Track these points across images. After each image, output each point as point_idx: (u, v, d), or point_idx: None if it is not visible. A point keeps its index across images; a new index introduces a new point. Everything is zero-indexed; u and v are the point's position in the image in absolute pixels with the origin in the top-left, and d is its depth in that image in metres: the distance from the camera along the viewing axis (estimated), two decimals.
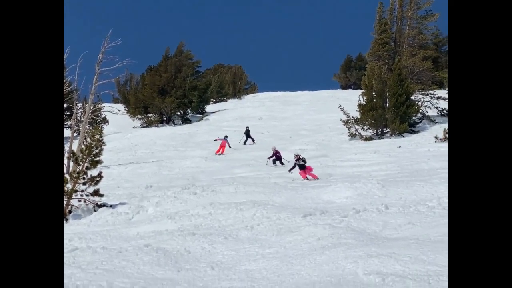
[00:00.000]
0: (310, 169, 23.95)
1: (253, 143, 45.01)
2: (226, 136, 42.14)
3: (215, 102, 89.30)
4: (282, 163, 30.88)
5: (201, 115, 73.07)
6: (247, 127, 47.38)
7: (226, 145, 40.31)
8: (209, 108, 77.77)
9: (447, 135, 37.88)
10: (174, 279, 8.46)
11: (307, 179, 22.96)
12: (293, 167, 24.51)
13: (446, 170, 19.80)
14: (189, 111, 72.71)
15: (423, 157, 28.22)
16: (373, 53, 51.82)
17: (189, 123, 67.66)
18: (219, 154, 38.19)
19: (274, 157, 31.53)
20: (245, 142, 45.04)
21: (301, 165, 24.08)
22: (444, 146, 35.52)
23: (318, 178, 22.62)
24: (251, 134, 46.28)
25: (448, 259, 6.13)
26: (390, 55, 51.95)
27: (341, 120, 47.39)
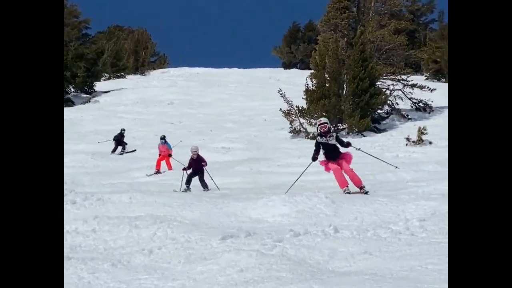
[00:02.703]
0: (350, 159, 19.32)
1: (122, 152, 42.04)
2: (164, 138, 35.16)
3: (109, 78, 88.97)
4: (205, 186, 23.94)
5: (89, 95, 72.55)
6: (122, 130, 43.94)
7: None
8: (99, 86, 77.36)
9: (422, 137, 38.61)
10: None
11: (347, 188, 18.66)
12: (315, 153, 19.62)
13: (419, 184, 20.18)
14: (72, 89, 72.13)
15: (389, 165, 28.67)
16: (328, 21, 52.37)
17: (71, 106, 67.08)
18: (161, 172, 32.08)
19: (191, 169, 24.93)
20: (114, 150, 42.12)
21: (332, 147, 19.23)
22: (418, 151, 36.19)
23: (362, 188, 18.61)
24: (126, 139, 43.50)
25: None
26: (351, 24, 52.65)
27: (281, 110, 47.70)
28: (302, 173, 20.20)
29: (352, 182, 18.54)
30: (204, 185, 23.45)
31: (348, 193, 18.13)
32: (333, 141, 18.91)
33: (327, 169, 19.35)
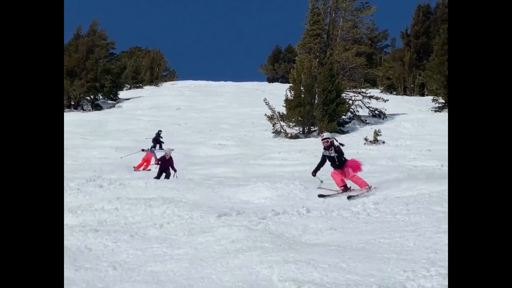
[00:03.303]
0: (356, 166, 16.65)
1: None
2: (154, 148, 34.42)
3: (130, 88, 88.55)
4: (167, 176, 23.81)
5: (114, 102, 72.33)
6: (159, 131, 42.36)
7: (152, 159, 30.29)
8: (122, 94, 77.09)
9: (377, 137, 38.62)
10: (72, 279, 8.32)
11: (345, 188, 16.38)
12: (320, 164, 17.10)
13: (374, 174, 20.17)
14: (100, 97, 71.90)
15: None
16: (304, 45, 52.31)
17: (100, 110, 66.88)
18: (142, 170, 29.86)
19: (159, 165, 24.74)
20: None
21: (334, 159, 16.73)
22: (374, 149, 36.19)
23: (368, 187, 16.13)
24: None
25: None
26: (322, 48, 52.53)
27: (265, 115, 47.64)
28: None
29: (358, 185, 16.33)
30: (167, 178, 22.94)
31: (343, 191, 16.15)
32: (334, 154, 16.52)
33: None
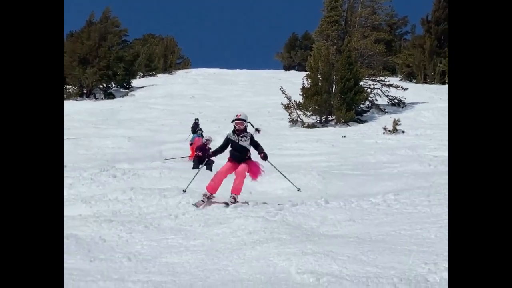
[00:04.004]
0: (255, 172, 14.33)
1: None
2: (201, 130, 32.61)
3: (143, 76, 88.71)
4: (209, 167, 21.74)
5: (127, 90, 72.55)
6: (196, 120, 40.29)
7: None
8: (135, 82, 77.25)
9: (396, 127, 38.51)
10: (86, 270, 8.35)
11: (210, 197, 13.98)
12: (219, 150, 14.62)
13: (393, 165, 20.14)
14: (113, 85, 72.14)
15: (369, 150, 28.61)
16: (321, 32, 52.12)
17: (112, 98, 67.11)
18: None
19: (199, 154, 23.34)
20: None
21: (243, 149, 14.18)
22: (393, 138, 36.08)
23: (233, 198, 13.76)
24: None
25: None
26: (340, 35, 52.34)
27: (282, 104, 47.60)
28: None
29: (232, 185, 13.88)
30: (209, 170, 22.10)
31: (203, 201, 13.70)
32: (245, 143, 14.07)
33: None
